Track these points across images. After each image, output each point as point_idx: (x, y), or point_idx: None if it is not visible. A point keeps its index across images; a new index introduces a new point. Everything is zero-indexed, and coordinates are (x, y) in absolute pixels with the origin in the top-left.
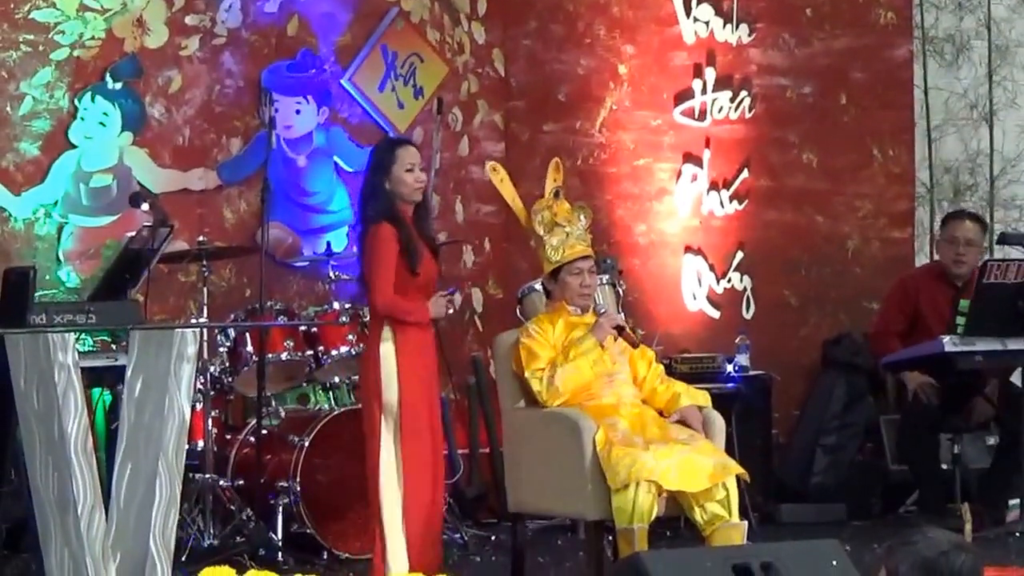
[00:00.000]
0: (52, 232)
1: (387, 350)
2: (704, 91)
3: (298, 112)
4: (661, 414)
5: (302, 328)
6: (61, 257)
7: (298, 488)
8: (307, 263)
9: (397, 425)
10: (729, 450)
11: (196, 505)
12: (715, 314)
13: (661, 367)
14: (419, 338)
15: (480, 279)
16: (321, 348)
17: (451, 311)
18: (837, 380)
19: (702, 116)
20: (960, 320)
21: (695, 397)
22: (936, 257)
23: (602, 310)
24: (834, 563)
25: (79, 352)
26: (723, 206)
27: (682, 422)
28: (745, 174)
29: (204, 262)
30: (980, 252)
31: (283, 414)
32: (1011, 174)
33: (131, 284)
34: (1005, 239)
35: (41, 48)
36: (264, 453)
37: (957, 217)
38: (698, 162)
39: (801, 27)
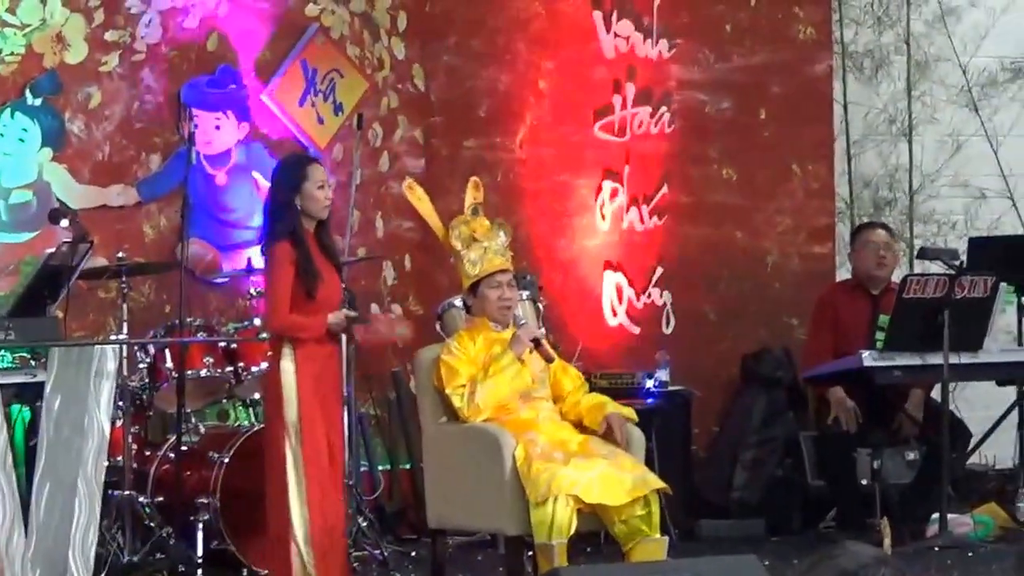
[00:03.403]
0: None
1: (287, 367)
2: (624, 106)
3: (218, 128)
4: (582, 429)
5: (222, 344)
6: None
7: (218, 505)
8: (227, 279)
9: (299, 443)
10: (649, 465)
11: (116, 522)
12: (635, 329)
13: (587, 384)
14: (319, 354)
15: (400, 295)
16: (241, 364)
17: (353, 315)
18: (757, 395)
19: (622, 131)
20: (880, 335)
21: (621, 412)
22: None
23: (521, 322)
24: None
25: None
26: (643, 221)
27: (608, 427)
28: (665, 189)
29: (123, 278)
30: (896, 257)
31: (203, 430)
32: (930, 189)
33: (50, 300)
34: (924, 254)
35: None
36: (184, 470)
37: (869, 227)
38: (618, 177)
39: (721, 43)
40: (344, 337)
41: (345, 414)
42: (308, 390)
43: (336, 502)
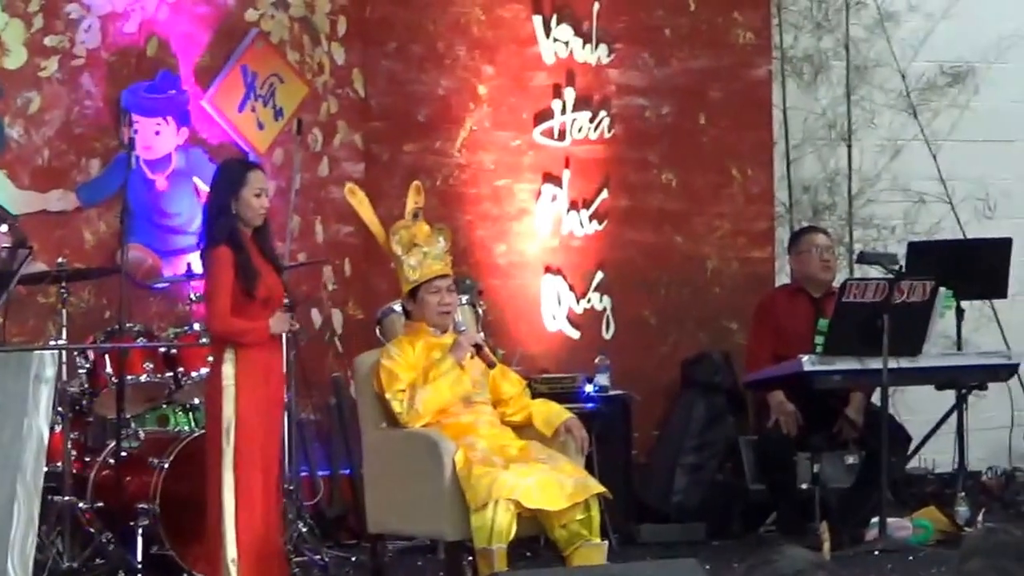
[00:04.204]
0: None
1: (227, 371)
2: (564, 111)
3: (157, 133)
4: (521, 434)
5: (162, 350)
6: None
7: (158, 510)
8: (167, 284)
9: (234, 448)
10: (589, 470)
11: (55, 528)
12: (575, 334)
13: (528, 389)
14: (261, 359)
15: (340, 300)
16: (181, 370)
17: (295, 326)
18: (696, 400)
19: (562, 136)
20: (819, 339)
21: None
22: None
23: (462, 328)
24: None
25: None
26: (583, 226)
27: (566, 433)
28: (604, 194)
29: (63, 284)
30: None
31: (142, 436)
32: (869, 193)
33: None
34: (864, 258)
35: None
36: (124, 475)
37: (809, 231)
38: (558, 182)
39: (660, 47)
40: (285, 341)
41: (285, 419)
42: (247, 396)
43: (273, 508)
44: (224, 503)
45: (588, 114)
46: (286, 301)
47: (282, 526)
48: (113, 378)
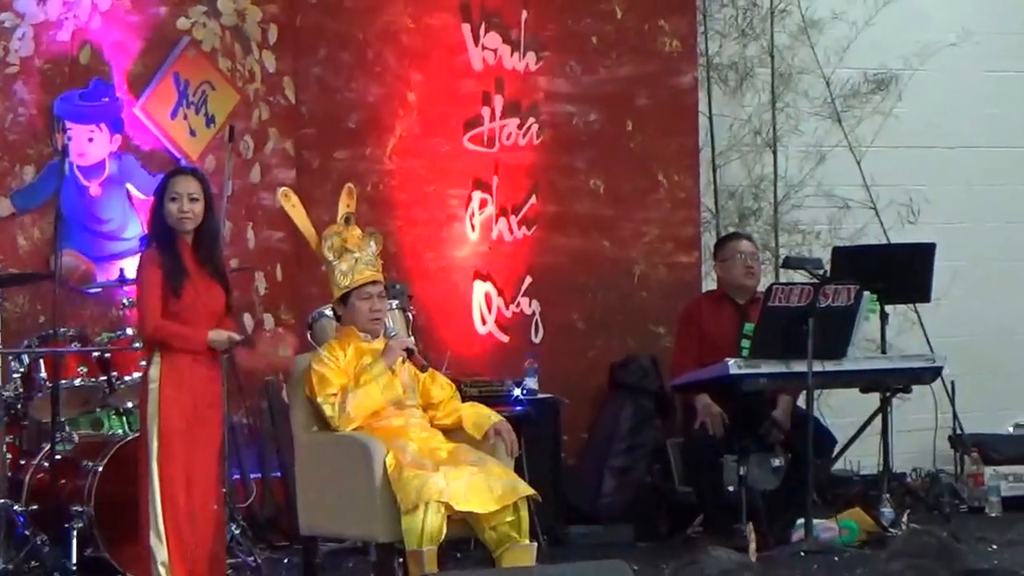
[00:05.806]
0: None
1: (153, 374)
2: (493, 118)
3: (91, 140)
4: (450, 436)
5: (95, 354)
6: None
7: (92, 513)
8: (100, 289)
9: (156, 453)
10: (518, 473)
11: None
12: (504, 338)
13: (458, 393)
14: (188, 365)
15: (271, 305)
16: (115, 374)
17: (238, 340)
18: (624, 403)
19: (491, 143)
20: (745, 343)
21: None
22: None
23: (392, 333)
24: None
25: None
26: (512, 232)
27: (498, 435)
28: (533, 200)
29: None
30: (761, 267)
31: (77, 439)
32: (794, 199)
33: None
34: (789, 263)
35: None
36: (58, 478)
37: (733, 238)
38: (487, 188)
39: (587, 55)
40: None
41: (222, 426)
42: (169, 397)
43: (205, 512)
44: (153, 505)
45: (517, 120)
46: (238, 338)
47: (221, 533)
48: (47, 382)
